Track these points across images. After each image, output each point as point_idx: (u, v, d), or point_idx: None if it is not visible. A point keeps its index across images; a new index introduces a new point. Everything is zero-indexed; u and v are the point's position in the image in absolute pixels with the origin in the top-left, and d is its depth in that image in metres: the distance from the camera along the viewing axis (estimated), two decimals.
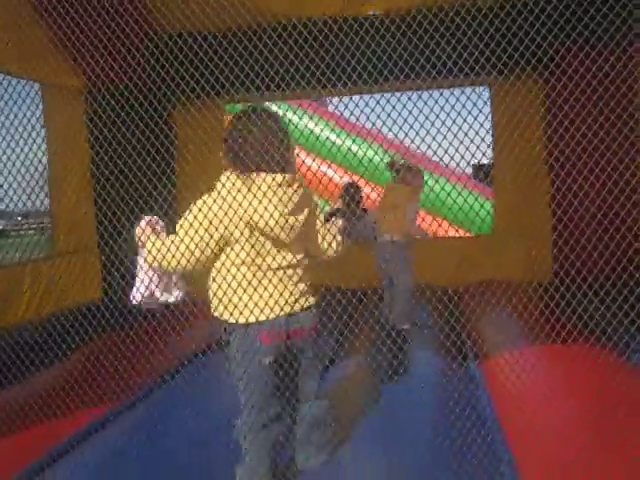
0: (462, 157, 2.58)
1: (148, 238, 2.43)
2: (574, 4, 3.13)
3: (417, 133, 2.62)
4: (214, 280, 2.42)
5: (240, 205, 2.34)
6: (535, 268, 5.08)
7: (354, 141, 7.01)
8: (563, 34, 3.05)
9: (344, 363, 3.77)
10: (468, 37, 3.28)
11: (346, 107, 2.65)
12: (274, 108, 7.46)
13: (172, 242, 2.35)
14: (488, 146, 5.35)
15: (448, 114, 2.61)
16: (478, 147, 2.67)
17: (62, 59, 5.12)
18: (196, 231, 2.33)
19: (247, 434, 2.41)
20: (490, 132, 5.59)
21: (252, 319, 2.35)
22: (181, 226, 2.36)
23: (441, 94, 2.91)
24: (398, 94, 2.87)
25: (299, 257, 2.48)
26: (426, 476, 2.46)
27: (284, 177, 2.40)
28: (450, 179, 6.71)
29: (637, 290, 2.81)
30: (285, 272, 2.42)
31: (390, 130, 2.66)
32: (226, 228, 2.34)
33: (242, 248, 2.36)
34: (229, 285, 2.38)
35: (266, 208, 2.34)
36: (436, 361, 3.72)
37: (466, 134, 2.60)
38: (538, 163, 5.15)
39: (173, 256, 2.34)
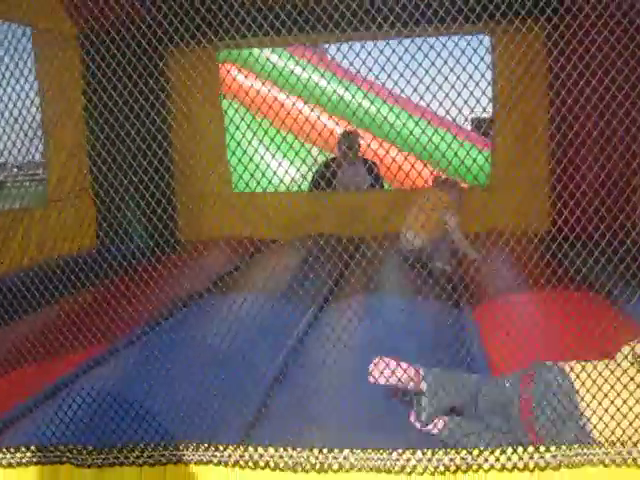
0: (459, 110, 2.52)
1: None
2: None
3: (408, 81, 2.55)
4: None
5: None
6: (533, 219, 5.06)
7: (353, 90, 6.91)
8: None
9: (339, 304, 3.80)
10: None
11: (344, 55, 2.59)
12: (273, 57, 7.40)
13: None
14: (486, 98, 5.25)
15: (445, 62, 2.53)
16: (478, 100, 2.60)
17: (55, 2, 5.01)
18: None
19: None
20: (490, 83, 5.49)
21: None
22: None
23: (444, 43, 2.80)
24: (396, 41, 2.79)
25: None
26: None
27: None
28: (449, 130, 6.63)
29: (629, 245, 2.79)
30: None
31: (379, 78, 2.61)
32: None
33: None
34: None
35: None
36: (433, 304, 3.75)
37: (465, 85, 2.53)
38: (540, 115, 5.06)
39: None
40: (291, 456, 1.94)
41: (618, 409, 2.12)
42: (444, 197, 4.78)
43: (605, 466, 1.97)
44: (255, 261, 4.94)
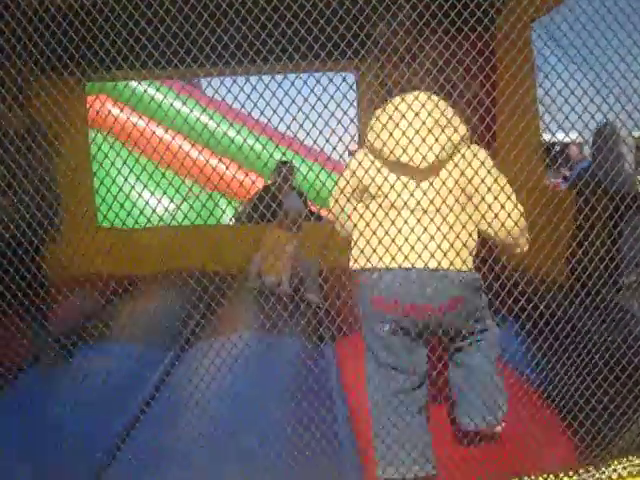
0: (329, 142, 2.56)
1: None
2: None
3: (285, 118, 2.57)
4: None
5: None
6: None
7: (232, 127, 6.88)
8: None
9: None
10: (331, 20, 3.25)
11: (218, 90, 2.61)
12: (148, 89, 7.29)
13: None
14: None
15: (319, 98, 2.57)
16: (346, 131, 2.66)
17: None
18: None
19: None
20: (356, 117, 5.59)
21: None
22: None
23: (310, 76, 2.87)
24: (271, 77, 2.83)
25: None
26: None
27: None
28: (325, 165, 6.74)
29: None
30: None
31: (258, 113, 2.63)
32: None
33: None
34: None
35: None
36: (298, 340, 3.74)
37: (340, 121, 2.58)
38: None
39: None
40: None
41: None
42: (281, 234, 4.81)
43: None
44: (120, 301, 4.74)
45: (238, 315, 4.24)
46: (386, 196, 2.29)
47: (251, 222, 6.18)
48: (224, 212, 7.74)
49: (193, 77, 6.94)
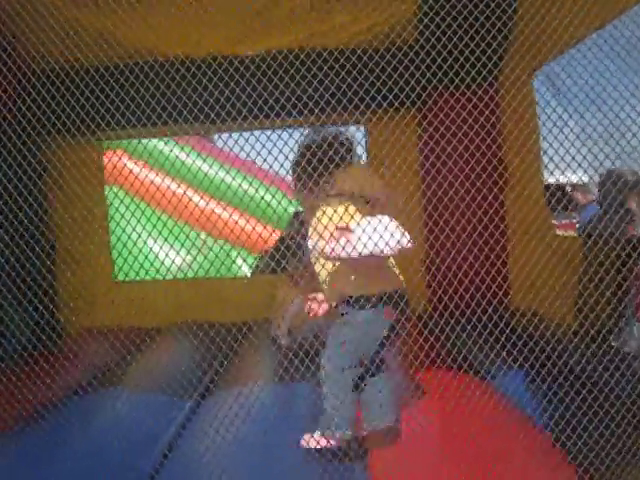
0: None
1: None
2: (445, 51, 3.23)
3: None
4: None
5: None
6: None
7: (247, 181, 6.98)
8: (436, 78, 3.18)
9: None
10: (343, 76, 3.41)
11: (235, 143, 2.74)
12: (160, 145, 7.44)
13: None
14: None
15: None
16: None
17: None
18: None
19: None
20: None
21: None
22: None
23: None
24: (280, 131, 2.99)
25: None
26: None
27: None
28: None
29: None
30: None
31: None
32: None
33: None
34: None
35: None
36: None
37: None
38: (413, 199, 5.26)
39: None
40: None
41: None
42: (289, 290, 4.84)
43: None
44: (137, 352, 4.80)
45: (255, 365, 4.28)
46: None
47: (269, 273, 6.21)
48: (243, 263, 7.79)
49: (207, 134, 7.08)
